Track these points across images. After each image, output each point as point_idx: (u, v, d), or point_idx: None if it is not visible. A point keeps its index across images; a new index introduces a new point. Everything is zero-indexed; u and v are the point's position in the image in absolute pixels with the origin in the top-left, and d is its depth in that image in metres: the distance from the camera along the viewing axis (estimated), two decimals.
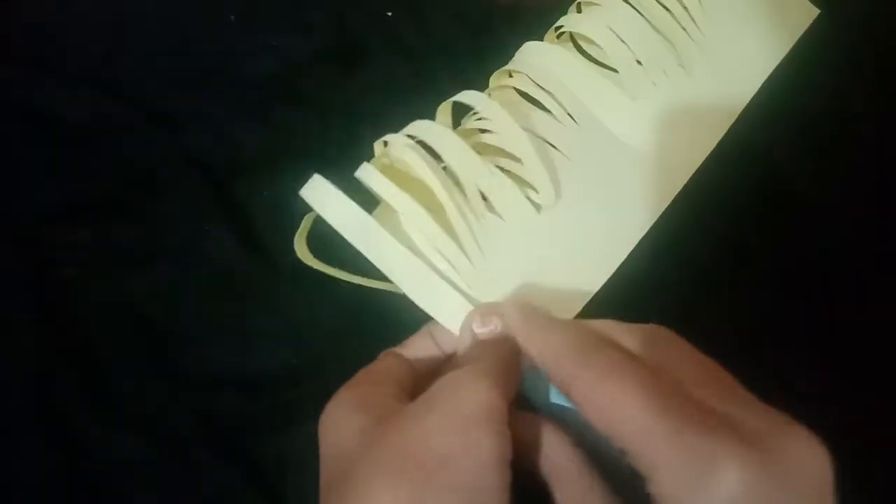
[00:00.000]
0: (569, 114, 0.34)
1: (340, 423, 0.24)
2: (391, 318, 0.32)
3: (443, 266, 0.30)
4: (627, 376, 0.20)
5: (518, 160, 0.32)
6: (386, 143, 0.32)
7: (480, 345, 0.27)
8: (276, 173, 0.38)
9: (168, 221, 0.37)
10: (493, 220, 0.32)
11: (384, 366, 0.28)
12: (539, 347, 0.23)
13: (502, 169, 0.32)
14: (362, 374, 0.27)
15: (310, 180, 0.30)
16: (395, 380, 0.27)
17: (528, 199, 0.32)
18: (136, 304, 0.35)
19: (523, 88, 0.34)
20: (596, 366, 0.21)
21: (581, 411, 0.21)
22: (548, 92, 0.34)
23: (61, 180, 0.37)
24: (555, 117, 0.34)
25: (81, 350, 0.34)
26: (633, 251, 0.32)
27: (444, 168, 0.31)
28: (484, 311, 0.28)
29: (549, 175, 0.32)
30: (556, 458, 0.24)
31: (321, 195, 0.30)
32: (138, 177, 0.38)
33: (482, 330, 0.27)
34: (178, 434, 0.32)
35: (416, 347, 0.29)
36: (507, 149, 0.31)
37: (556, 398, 0.25)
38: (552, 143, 0.34)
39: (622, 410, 0.19)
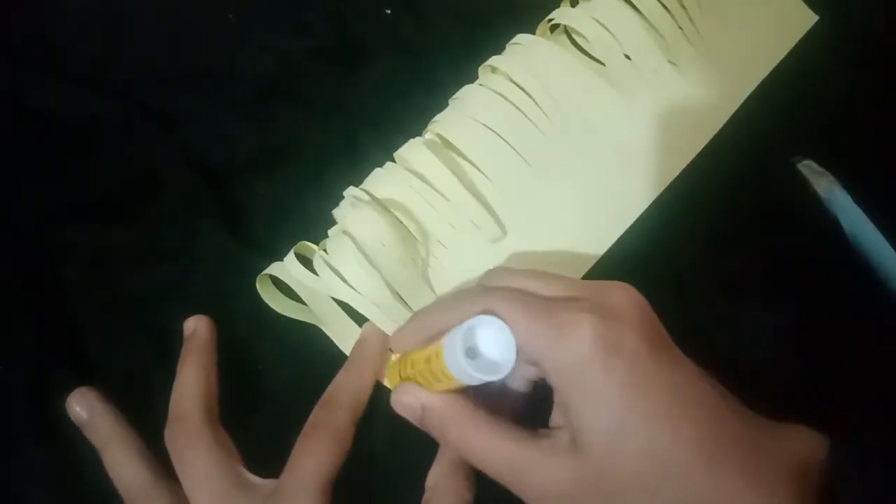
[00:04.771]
0: (545, 113, 0.34)
1: None
2: None
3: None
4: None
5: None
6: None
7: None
8: (275, 173, 0.38)
9: (167, 221, 0.37)
10: (446, 255, 0.33)
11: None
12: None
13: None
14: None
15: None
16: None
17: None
18: (136, 303, 0.35)
19: (501, 90, 0.34)
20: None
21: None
22: (526, 92, 0.34)
23: (60, 180, 0.37)
24: (530, 120, 0.34)
25: (81, 350, 0.34)
26: (608, 254, 0.34)
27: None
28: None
29: (489, 213, 0.33)
30: None
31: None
32: (137, 177, 0.38)
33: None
34: None
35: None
36: (446, 195, 0.33)
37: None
38: (529, 145, 0.34)
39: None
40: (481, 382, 0.25)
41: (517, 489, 0.25)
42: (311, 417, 0.30)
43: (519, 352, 0.25)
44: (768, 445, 0.24)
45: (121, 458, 0.30)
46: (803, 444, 0.24)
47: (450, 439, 0.27)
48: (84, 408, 0.32)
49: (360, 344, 0.33)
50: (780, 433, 0.25)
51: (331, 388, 0.31)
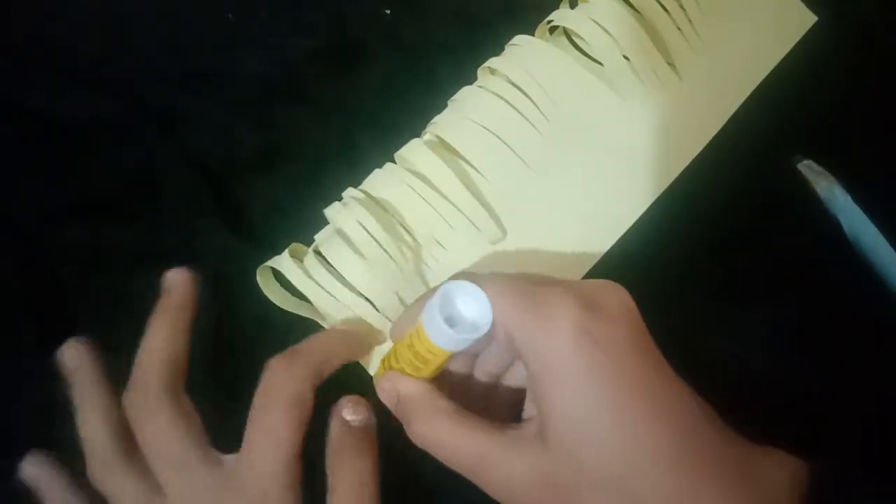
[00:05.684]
0: (543, 114, 0.34)
1: None
2: None
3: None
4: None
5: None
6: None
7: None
8: (275, 173, 0.38)
9: (167, 221, 0.37)
10: (445, 256, 0.33)
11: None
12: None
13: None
14: None
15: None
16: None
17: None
18: (135, 303, 0.35)
19: (499, 92, 0.34)
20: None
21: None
22: (525, 93, 0.34)
23: (59, 180, 0.37)
24: (529, 121, 0.34)
25: None
26: (608, 255, 0.33)
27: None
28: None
29: (489, 214, 0.33)
30: None
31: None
32: (136, 176, 0.38)
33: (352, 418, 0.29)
34: None
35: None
36: (446, 195, 0.33)
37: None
38: (528, 146, 0.34)
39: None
40: (466, 345, 0.25)
41: (481, 481, 0.25)
42: (267, 378, 0.28)
43: (500, 332, 0.25)
44: (747, 465, 0.23)
45: (92, 421, 0.29)
46: (783, 468, 0.24)
47: (414, 430, 0.26)
48: (73, 360, 0.30)
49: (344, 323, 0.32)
50: (759, 454, 0.24)
51: (292, 351, 0.29)
